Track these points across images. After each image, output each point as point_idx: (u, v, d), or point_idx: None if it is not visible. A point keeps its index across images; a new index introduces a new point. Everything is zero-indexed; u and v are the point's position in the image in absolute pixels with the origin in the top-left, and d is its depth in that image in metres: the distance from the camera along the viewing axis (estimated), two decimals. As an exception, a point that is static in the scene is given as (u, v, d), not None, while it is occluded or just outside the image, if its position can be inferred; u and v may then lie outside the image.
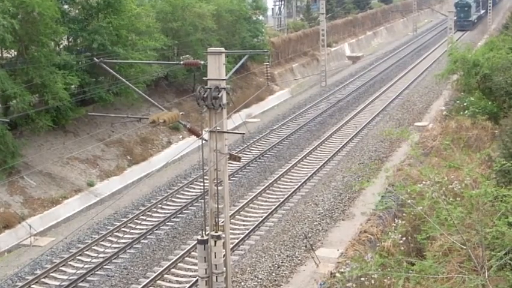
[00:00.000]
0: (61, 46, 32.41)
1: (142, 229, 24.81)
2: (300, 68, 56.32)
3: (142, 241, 23.93)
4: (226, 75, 13.56)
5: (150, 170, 31.10)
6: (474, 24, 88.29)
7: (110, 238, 24.21)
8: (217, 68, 13.39)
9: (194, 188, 29.26)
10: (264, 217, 25.30)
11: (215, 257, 13.36)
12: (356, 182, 27.95)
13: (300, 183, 29.10)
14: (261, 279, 20.35)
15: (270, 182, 29.38)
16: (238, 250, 22.71)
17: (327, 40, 56.09)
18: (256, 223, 24.74)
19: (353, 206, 26.19)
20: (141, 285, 20.31)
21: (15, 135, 27.81)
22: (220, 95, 13.32)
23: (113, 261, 22.37)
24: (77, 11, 33.38)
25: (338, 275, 18.94)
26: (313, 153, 34.21)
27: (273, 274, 20.65)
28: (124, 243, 23.51)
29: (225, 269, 13.58)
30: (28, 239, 24.01)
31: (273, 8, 66.60)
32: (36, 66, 27.45)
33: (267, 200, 27.68)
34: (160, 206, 27.24)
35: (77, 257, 22.62)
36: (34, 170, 27.29)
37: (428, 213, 16.27)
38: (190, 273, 21.23)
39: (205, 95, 13.35)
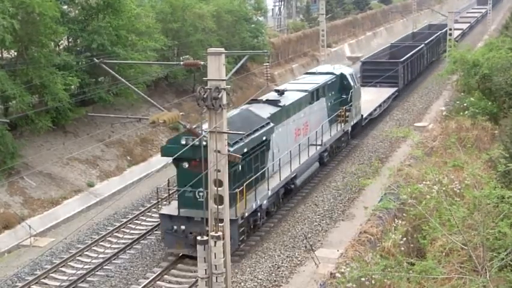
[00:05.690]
0: (61, 46, 32.40)
1: (142, 229, 24.78)
2: (300, 68, 56.25)
3: (141, 241, 23.89)
4: (226, 76, 13.56)
5: (150, 170, 31.06)
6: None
7: (110, 238, 24.19)
8: (217, 69, 13.38)
9: (194, 189, 29.18)
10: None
11: (215, 257, 13.35)
12: (356, 182, 27.92)
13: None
14: (260, 279, 20.32)
15: (270, 182, 29.30)
16: (238, 251, 22.66)
17: (327, 41, 56.11)
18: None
19: (353, 207, 26.15)
20: (141, 286, 20.26)
21: (15, 136, 27.77)
22: (220, 96, 13.32)
23: (113, 261, 22.35)
24: (76, 12, 33.38)
25: (338, 275, 18.89)
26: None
27: (273, 275, 20.62)
28: (123, 243, 23.49)
29: (224, 269, 13.57)
30: (28, 240, 23.99)
31: (273, 9, 66.57)
32: (36, 67, 27.42)
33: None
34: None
35: (77, 258, 22.60)
36: (34, 171, 27.25)
37: (429, 214, 16.25)
38: (190, 274, 21.20)
39: (205, 96, 13.35)
